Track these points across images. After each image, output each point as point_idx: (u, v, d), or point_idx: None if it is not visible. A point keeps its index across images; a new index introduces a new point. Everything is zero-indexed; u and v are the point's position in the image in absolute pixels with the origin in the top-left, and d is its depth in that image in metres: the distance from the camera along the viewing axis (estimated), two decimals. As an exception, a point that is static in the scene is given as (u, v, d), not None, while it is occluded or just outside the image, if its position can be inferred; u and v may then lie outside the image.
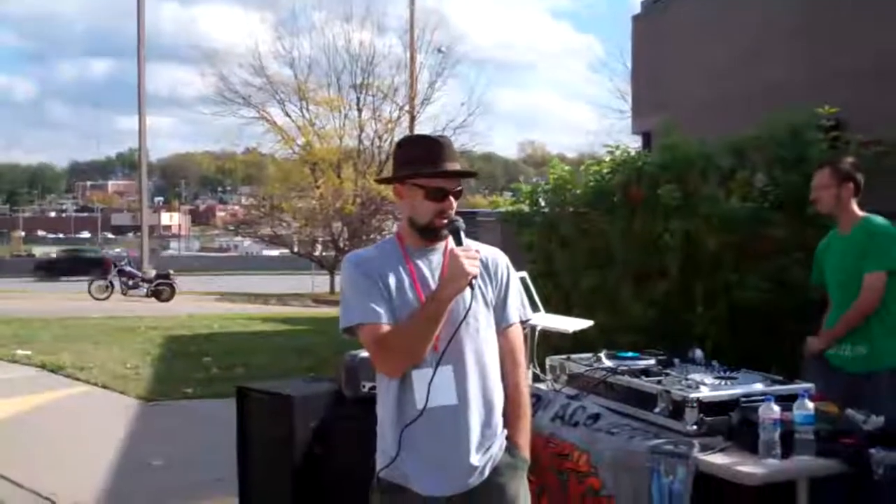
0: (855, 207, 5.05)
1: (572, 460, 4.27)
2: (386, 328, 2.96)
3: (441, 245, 3.08)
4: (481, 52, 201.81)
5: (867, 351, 4.90)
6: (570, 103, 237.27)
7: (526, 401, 3.21)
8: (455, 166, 3.06)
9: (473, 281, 2.90)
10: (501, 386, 3.12)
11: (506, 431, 3.12)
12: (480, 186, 60.61)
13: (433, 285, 3.00)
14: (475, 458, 3.01)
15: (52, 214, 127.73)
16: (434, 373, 2.96)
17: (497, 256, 3.18)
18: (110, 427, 9.01)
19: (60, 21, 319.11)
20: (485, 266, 3.08)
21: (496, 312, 3.13)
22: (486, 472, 3.03)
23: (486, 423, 3.05)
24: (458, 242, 2.97)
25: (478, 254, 2.97)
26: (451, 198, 3.03)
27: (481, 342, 3.06)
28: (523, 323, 3.26)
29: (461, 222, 3.03)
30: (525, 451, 3.15)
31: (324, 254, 34.97)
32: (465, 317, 2.97)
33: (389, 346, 2.96)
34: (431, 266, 3.06)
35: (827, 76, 8.34)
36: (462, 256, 2.89)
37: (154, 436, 8.84)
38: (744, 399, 3.93)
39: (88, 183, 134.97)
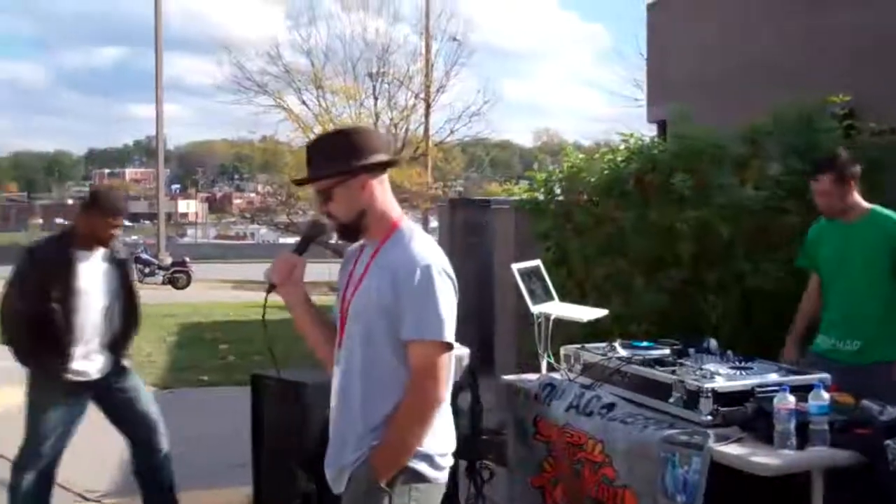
0: (859, 199, 4.98)
1: (587, 450, 4.26)
2: None
3: (373, 241, 3.11)
4: (492, 40, 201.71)
5: (862, 345, 4.87)
6: (582, 91, 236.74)
7: (395, 431, 2.92)
8: (312, 171, 3.13)
9: (271, 288, 3.20)
10: (382, 396, 2.96)
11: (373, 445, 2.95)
12: (496, 174, 60.44)
13: (354, 281, 3.11)
14: (335, 462, 3.06)
15: (70, 202, 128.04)
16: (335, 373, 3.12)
17: (403, 263, 2.96)
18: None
19: (73, 8, 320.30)
20: (390, 271, 2.97)
21: (397, 323, 2.95)
22: (344, 479, 3.02)
23: (351, 430, 3.01)
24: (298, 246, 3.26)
25: (281, 262, 3.20)
26: (324, 200, 3.11)
27: (362, 347, 3.01)
28: (428, 343, 2.91)
29: (313, 228, 3.33)
30: (376, 474, 2.91)
31: (339, 242, 34.85)
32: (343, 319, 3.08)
33: None
34: (361, 262, 3.14)
35: (843, 59, 8.29)
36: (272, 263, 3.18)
37: (169, 423, 8.81)
38: (759, 389, 3.93)
39: (105, 170, 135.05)
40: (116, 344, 5.56)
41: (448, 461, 3.05)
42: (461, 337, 5.62)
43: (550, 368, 5.00)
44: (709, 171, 6.25)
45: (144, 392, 5.86)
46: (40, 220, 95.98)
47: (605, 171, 6.99)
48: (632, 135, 7.16)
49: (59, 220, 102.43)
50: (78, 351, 5.39)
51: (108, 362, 5.53)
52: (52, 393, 5.44)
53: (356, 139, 3.11)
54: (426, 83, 34.79)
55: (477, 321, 9.56)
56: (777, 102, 6.40)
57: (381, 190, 3.12)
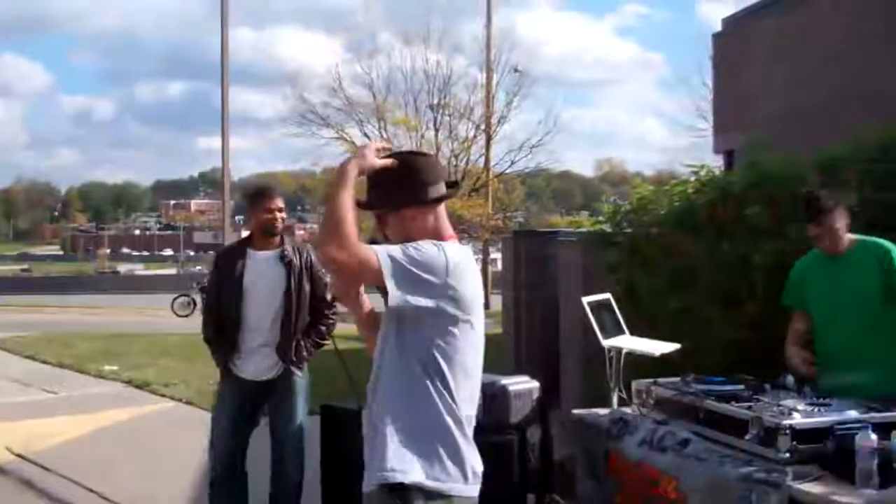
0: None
1: (661, 487, 4.20)
2: None
3: None
4: (553, 70, 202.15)
5: (869, 379, 4.53)
6: (643, 121, 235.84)
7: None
8: (372, 196, 3.18)
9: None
10: (391, 401, 3.05)
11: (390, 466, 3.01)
12: (557, 205, 60.27)
13: None
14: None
15: (137, 232, 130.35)
16: None
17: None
18: (195, 443, 9.10)
19: (141, 43, 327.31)
20: None
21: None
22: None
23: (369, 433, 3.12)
24: None
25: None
26: (380, 224, 3.23)
27: (375, 380, 3.13)
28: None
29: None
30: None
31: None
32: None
33: None
34: None
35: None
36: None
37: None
38: (838, 426, 3.84)
39: (171, 201, 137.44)
40: (279, 348, 5.50)
41: (446, 488, 2.99)
42: (528, 370, 5.59)
43: (621, 403, 4.94)
44: (783, 201, 6.14)
45: (294, 414, 5.66)
46: (108, 250, 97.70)
47: (676, 203, 6.92)
48: (702, 166, 7.08)
49: (125, 250, 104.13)
50: (242, 348, 5.43)
51: (269, 365, 5.51)
52: (223, 386, 5.59)
53: (413, 171, 3.10)
54: (487, 114, 34.90)
55: (543, 354, 9.50)
56: (855, 130, 6.28)
57: (432, 219, 3.12)
